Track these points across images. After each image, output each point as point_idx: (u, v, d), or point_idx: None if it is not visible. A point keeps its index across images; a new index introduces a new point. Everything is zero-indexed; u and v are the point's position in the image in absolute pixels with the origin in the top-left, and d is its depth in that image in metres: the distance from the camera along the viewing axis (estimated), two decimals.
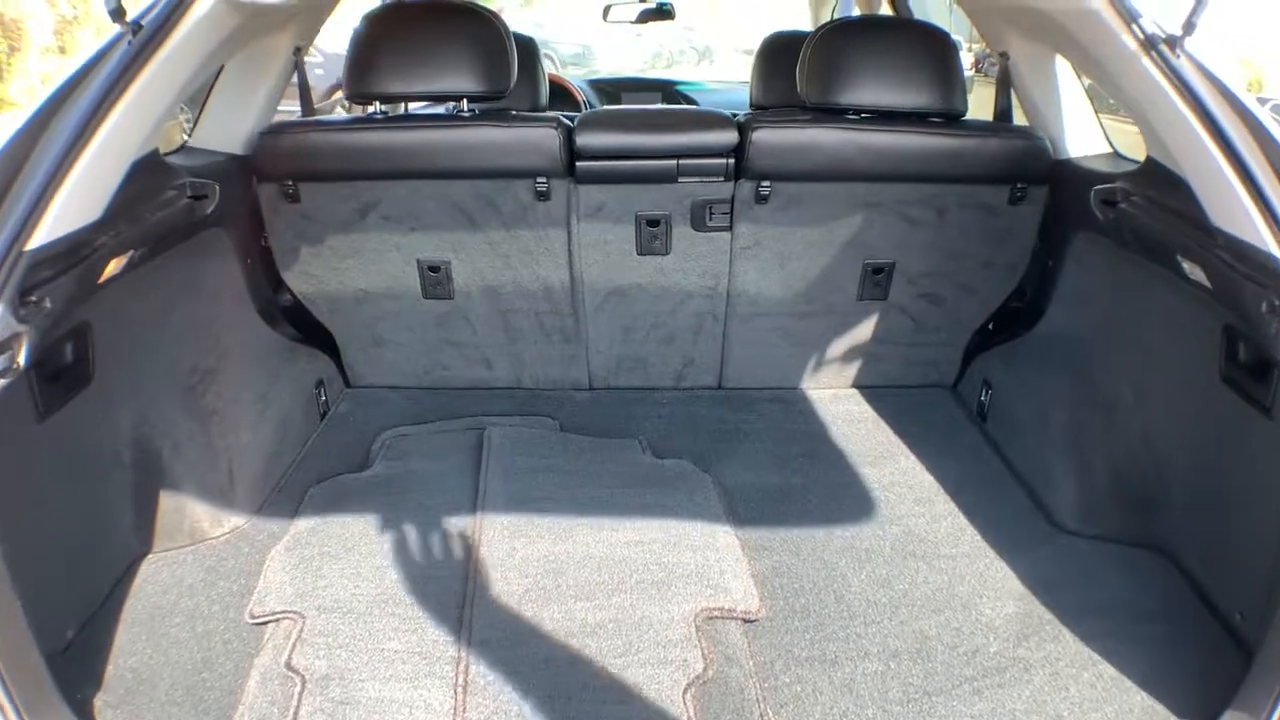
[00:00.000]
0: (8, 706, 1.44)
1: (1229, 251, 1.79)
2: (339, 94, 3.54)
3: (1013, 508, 2.43)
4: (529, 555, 2.08)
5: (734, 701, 1.73)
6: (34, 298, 1.60)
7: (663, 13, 5.26)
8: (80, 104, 1.77)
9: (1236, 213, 1.72)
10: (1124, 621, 1.99)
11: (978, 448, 2.72)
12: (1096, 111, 2.77)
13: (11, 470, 1.60)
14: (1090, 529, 2.31)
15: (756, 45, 3.90)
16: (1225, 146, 1.72)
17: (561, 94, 5.14)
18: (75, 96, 1.81)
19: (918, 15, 4.23)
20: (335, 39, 4.65)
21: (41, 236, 1.60)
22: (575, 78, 5.73)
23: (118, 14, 1.85)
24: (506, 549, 2.10)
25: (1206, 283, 1.92)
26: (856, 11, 4.67)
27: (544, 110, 4.00)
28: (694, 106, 4.14)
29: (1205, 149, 1.76)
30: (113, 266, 1.94)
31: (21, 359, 1.57)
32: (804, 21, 5.52)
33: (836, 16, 5.19)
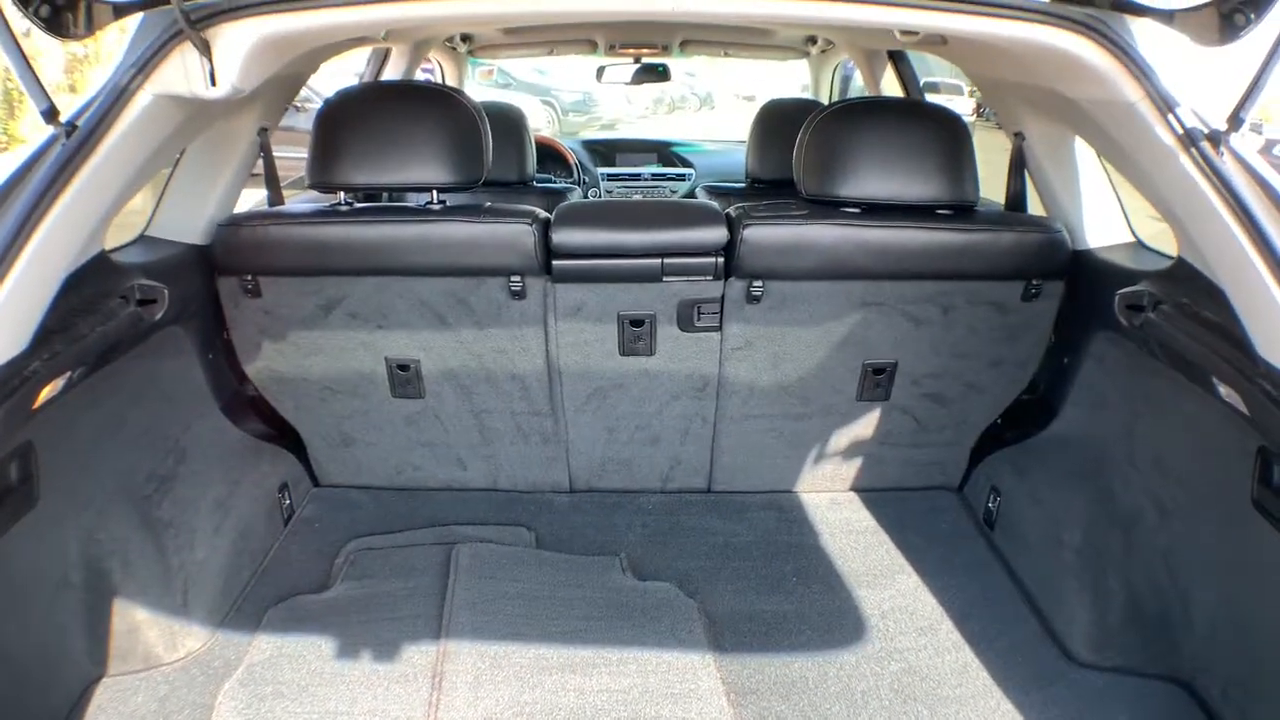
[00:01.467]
0: None
1: (1273, 383, 1.62)
2: None
3: (1023, 636, 2.24)
4: (492, 708, 1.90)
5: None
6: None
7: (658, 74, 5.14)
8: (7, 219, 1.65)
9: None
10: None
11: (985, 562, 2.53)
12: (1119, 196, 2.61)
13: None
14: (1105, 660, 2.14)
15: (756, 91, 3.78)
16: (1275, 264, 1.57)
17: (553, 156, 5.04)
18: (3, 210, 1.69)
19: (919, 72, 4.10)
20: (329, 83, 4.52)
21: None
22: (569, 139, 5.62)
23: (50, 115, 1.74)
24: (469, 698, 1.92)
25: (1243, 408, 1.75)
26: (859, 78, 4.54)
27: (532, 179, 3.87)
28: (680, 200, 3.99)
29: (1250, 264, 1.62)
30: (47, 390, 1.80)
31: None
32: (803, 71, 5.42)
33: (837, 80, 5.09)
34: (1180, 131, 1.74)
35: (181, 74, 1.83)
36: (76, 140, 1.75)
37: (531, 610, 2.22)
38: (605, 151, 5.52)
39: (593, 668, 2.02)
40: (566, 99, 16.18)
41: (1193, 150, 1.72)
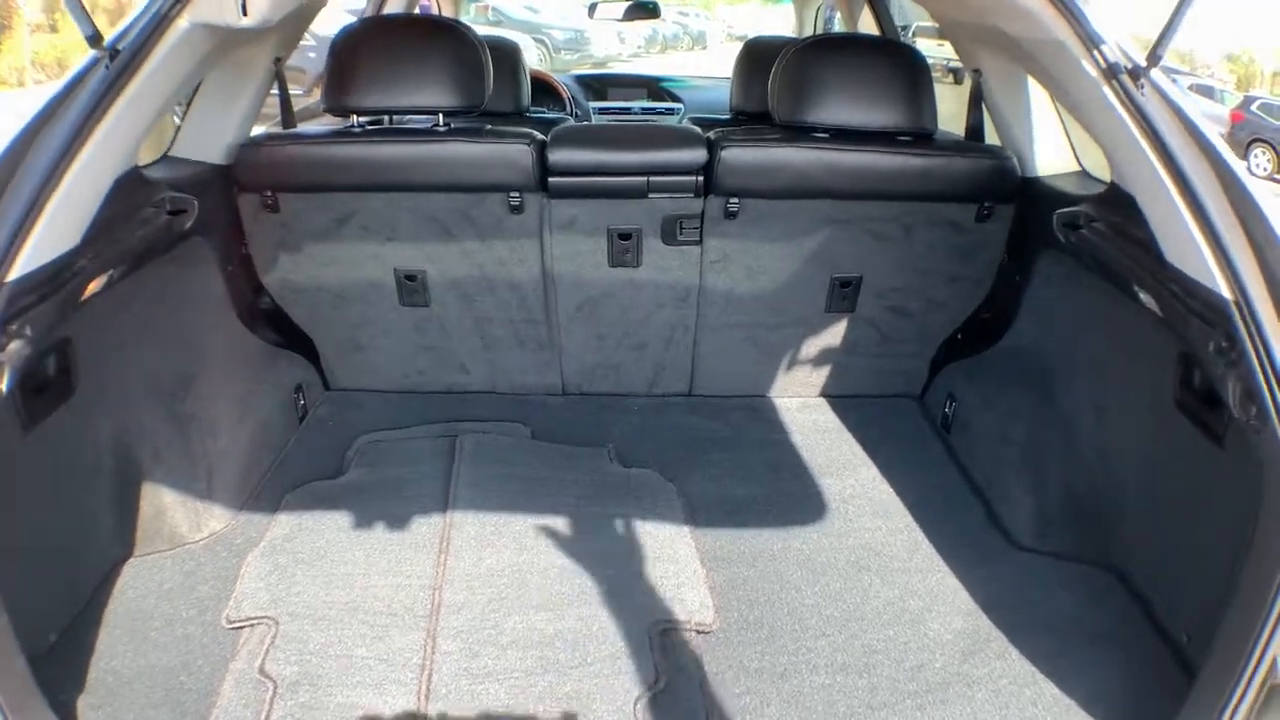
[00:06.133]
0: None
1: (1180, 286, 1.83)
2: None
3: (970, 523, 2.49)
4: (494, 565, 2.16)
5: (682, 711, 1.81)
6: (14, 326, 1.65)
7: (648, 11, 5.31)
8: (58, 131, 1.81)
9: (1188, 250, 1.76)
10: (1071, 641, 2.04)
11: (939, 460, 2.79)
12: (1066, 129, 2.83)
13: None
14: (1044, 546, 2.37)
15: (748, 31, 3.95)
16: (1182, 183, 1.75)
17: (547, 90, 5.20)
18: (53, 122, 1.84)
19: (895, 16, 4.29)
20: (329, 22, 4.69)
21: (21, 266, 1.65)
22: (561, 74, 5.78)
23: (95, 40, 1.89)
24: (473, 559, 2.18)
25: (1159, 312, 1.96)
26: (839, 18, 4.72)
27: (526, 110, 4.07)
28: (666, 125, 4.19)
29: (1161, 184, 1.80)
30: (93, 286, 1.99)
31: (4, 384, 1.63)
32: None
33: (822, 19, 5.27)
34: (1103, 66, 1.90)
35: (216, 4, 2.00)
36: (121, 62, 1.91)
37: (529, 489, 2.47)
38: (597, 86, 5.69)
39: (583, 535, 2.28)
40: (558, 36, 16.22)
41: (1114, 83, 1.89)
